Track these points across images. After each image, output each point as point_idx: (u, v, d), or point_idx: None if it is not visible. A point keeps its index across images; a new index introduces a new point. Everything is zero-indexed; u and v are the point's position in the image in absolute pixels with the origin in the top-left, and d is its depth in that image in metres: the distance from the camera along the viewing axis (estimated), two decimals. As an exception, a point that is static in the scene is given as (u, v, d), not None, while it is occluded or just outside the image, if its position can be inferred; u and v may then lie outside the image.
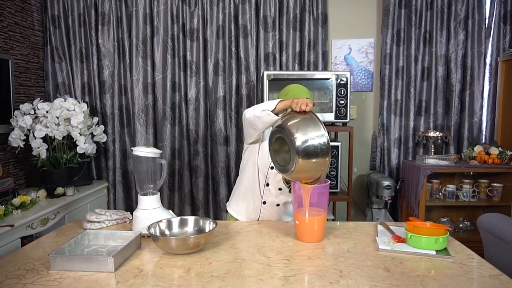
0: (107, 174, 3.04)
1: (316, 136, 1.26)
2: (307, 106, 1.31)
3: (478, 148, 2.81)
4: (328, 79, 2.54)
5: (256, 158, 1.66)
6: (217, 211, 3.06)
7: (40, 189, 2.44)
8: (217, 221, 1.46)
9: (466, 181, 2.85)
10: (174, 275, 1.13)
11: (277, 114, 1.39)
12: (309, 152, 1.25)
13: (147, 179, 1.49)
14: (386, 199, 2.81)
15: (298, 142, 1.25)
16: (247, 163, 1.70)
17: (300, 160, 1.25)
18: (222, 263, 1.22)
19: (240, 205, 1.75)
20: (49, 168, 2.50)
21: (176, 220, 1.42)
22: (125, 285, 1.07)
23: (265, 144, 1.67)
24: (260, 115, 1.42)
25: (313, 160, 1.27)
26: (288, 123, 1.30)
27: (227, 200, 2.98)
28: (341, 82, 2.52)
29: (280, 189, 1.68)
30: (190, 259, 1.25)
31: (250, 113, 1.48)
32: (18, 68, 2.65)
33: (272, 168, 1.66)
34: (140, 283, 1.08)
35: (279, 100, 1.41)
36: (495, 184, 2.81)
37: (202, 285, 1.07)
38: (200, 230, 1.40)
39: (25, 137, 2.42)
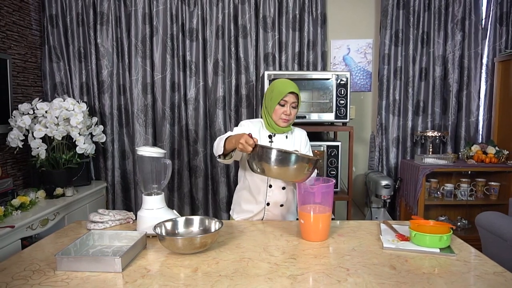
0: (106, 174, 3.03)
1: (269, 159, 1.40)
2: (250, 147, 1.40)
3: (475, 148, 2.85)
4: (328, 79, 2.55)
5: None
6: (217, 211, 3.06)
7: (39, 190, 2.42)
8: (222, 221, 1.46)
9: (464, 180, 2.88)
10: (181, 275, 1.13)
11: (231, 150, 1.55)
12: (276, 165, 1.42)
13: (152, 179, 1.49)
14: (385, 198, 2.83)
15: (259, 171, 1.46)
16: (247, 169, 1.71)
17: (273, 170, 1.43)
18: (229, 262, 1.22)
19: (244, 211, 1.76)
20: (48, 168, 2.48)
21: (181, 220, 1.42)
22: (134, 285, 1.07)
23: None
24: (216, 147, 1.59)
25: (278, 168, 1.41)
26: (252, 164, 1.48)
27: (227, 200, 3.02)
28: (341, 82, 2.54)
29: (283, 188, 1.69)
30: (197, 259, 1.25)
31: (216, 141, 1.62)
32: (15, 67, 2.63)
33: None
34: (149, 283, 1.08)
35: (227, 137, 1.53)
36: (492, 183, 2.84)
37: (211, 285, 1.07)
38: (205, 230, 1.40)
39: (23, 137, 2.40)
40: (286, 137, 1.74)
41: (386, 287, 1.05)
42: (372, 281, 1.08)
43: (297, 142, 1.77)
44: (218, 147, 1.55)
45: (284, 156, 1.40)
